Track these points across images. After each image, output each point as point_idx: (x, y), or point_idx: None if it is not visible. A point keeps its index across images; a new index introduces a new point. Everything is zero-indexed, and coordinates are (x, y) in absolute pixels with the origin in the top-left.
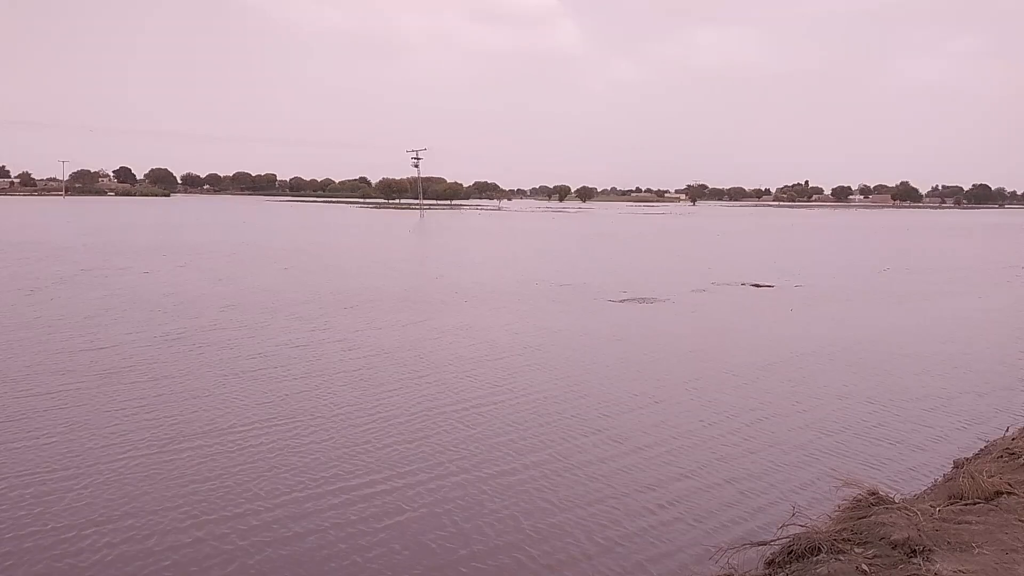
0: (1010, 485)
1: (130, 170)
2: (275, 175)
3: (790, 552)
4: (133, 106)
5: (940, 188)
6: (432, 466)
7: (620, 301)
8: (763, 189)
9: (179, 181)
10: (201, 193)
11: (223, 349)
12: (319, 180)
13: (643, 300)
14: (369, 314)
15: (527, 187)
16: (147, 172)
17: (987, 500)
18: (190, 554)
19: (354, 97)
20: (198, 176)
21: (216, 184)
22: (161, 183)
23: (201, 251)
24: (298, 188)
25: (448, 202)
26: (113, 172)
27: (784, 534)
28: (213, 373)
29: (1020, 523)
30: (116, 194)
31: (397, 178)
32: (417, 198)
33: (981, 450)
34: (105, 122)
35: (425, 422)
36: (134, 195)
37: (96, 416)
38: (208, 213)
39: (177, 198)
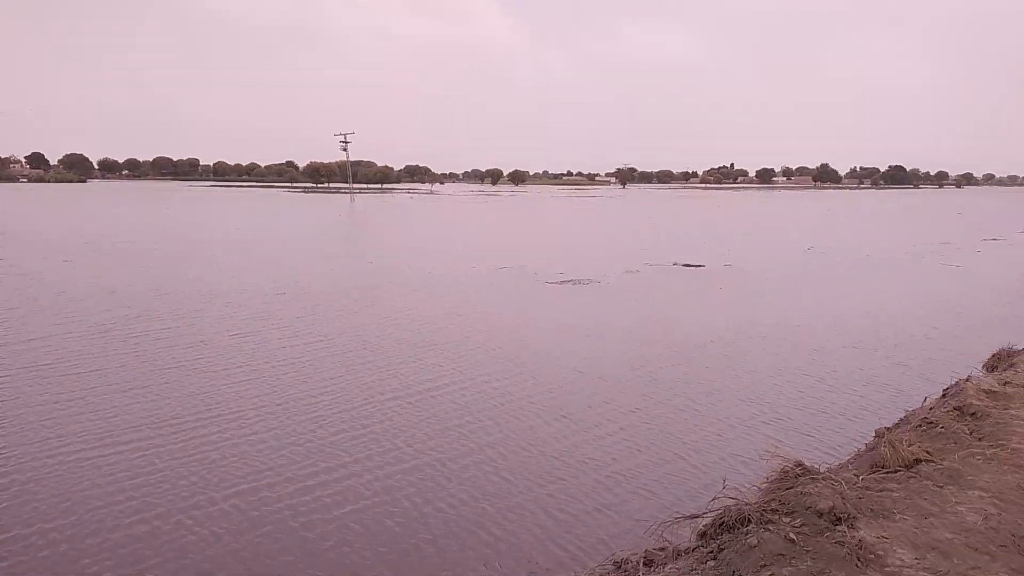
0: (928, 453)
1: (43, 155)
2: (198, 160)
3: (721, 524)
4: (46, 88)
5: (858, 169)
6: (385, 452)
7: (557, 283)
8: (690, 172)
9: (96, 166)
10: (120, 179)
11: (158, 340)
12: (244, 164)
13: (579, 281)
14: (306, 301)
15: (459, 171)
16: (61, 157)
17: (907, 468)
18: (139, 549)
19: (283, 84)
20: (116, 161)
21: (135, 169)
22: (76, 168)
23: (122, 240)
24: (222, 173)
25: (379, 186)
26: (25, 158)
27: (716, 506)
28: (149, 364)
29: (937, 489)
30: (29, 180)
31: (325, 162)
32: (347, 182)
33: (901, 420)
34: (15, 104)
35: (374, 408)
36: (47, 181)
37: (28, 412)
38: (126, 200)
39: (93, 184)
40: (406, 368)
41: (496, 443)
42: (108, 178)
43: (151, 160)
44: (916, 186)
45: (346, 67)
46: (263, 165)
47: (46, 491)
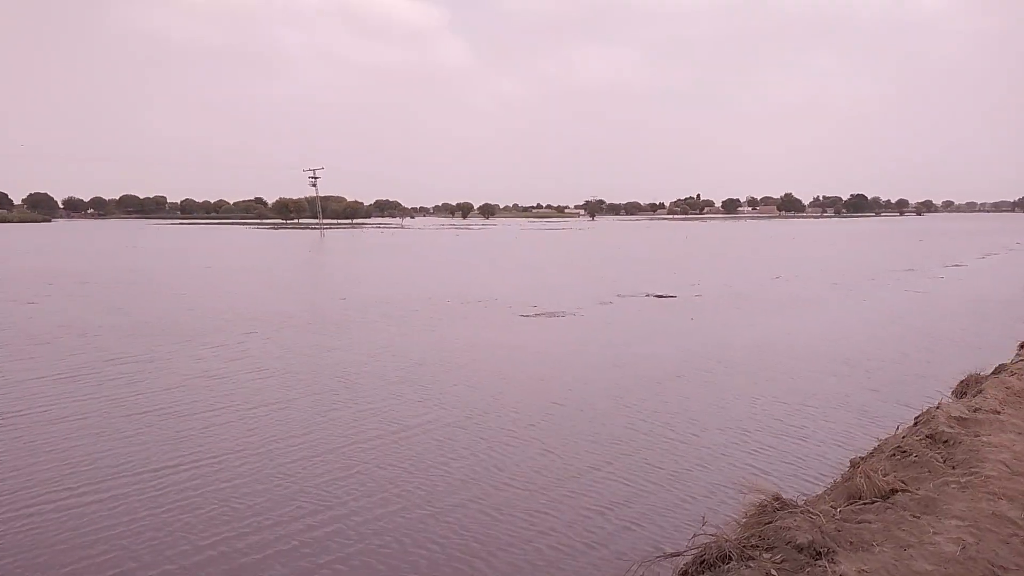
0: (903, 483)
1: (6, 195)
2: (165, 197)
3: (702, 562)
4: (6, 127)
5: (821, 199)
6: (369, 493)
7: (532, 315)
8: (658, 203)
9: (61, 205)
10: (85, 218)
11: (133, 383)
12: (212, 201)
13: (553, 314)
14: (281, 339)
15: (430, 204)
16: (25, 196)
17: (883, 498)
18: None
19: (243, 115)
20: (81, 200)
21: (101, 208)
22: (41, 208)
23: (89, 279)
24: (190, 210)
25: (349, 221)
26: None
27: (695, 544)
28: (125, 409)
29: (914, 519)
30: None
31: (294, 197)
32: (316, 217)
33: (875, 449)
34: None
35: (356, 449)
36: (11, 221)
37: None
38: (91, 239)
39: (59, 224)
40: (386, 406)
41: (480, 479)
42: (73, 217)
43: (117, 198)
44: (877, 214)
45: (303, 94)
46: (231, 202)
47: (20, 545)
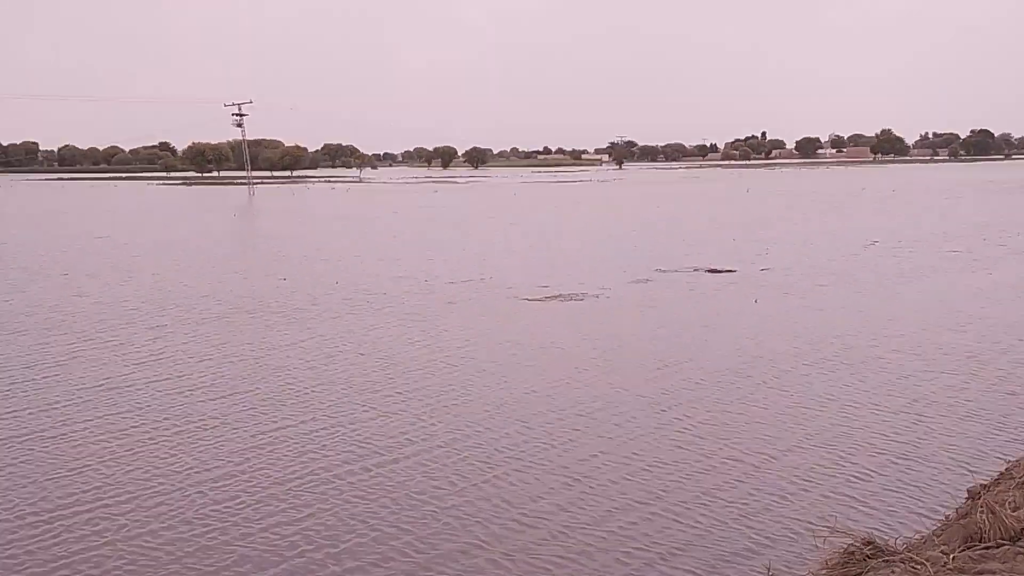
0: None
1: None
2: (37, 144)
3: None
4: None
5: (931, 136)
6: (327, 548)
7: (540, 299)
8: (708, 145)
9: None
10: None
11: (7, 398)
12: (101, 149)
13: (570, 296)
14: (207, 334)
15: (398, 150)
16: None
17: (1012, 541)
18: None
19: (138, 31)
20: None
21: None
22: None
23: None
24: (72, 161)
25: (288, 173)
26: None
27: None
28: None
29: None
30: None
31: (212, 142)
32: (243, 169)
33: (1001, 474)
34: None
35: (308, 485)
36: None
37: None
38: None
39: None
40: (351, 422)
41: (484, 520)
42: None
43: None
44: (1008, 156)
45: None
46: (127, 149)
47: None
